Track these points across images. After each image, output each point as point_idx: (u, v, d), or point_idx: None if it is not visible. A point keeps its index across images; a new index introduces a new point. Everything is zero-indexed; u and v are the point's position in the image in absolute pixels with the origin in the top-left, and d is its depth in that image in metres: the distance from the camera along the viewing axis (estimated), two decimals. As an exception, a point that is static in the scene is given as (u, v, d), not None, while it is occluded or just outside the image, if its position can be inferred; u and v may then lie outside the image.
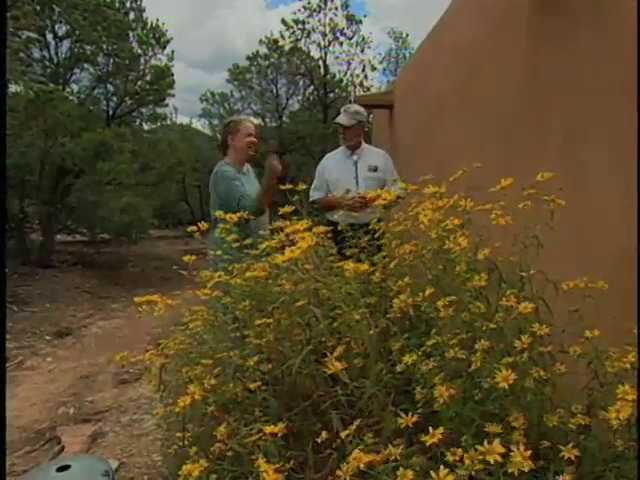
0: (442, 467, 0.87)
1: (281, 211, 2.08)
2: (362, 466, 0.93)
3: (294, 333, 1.48)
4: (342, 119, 3.25)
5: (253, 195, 2.69)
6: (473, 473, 0.85)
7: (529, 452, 0.89)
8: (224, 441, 1.27)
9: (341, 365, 1.14)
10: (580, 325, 1.29)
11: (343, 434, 1.07)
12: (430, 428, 0.96)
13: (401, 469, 0.91)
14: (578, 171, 2.06)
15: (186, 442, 1.43)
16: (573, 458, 1.01)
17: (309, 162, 15.49)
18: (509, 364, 1.14)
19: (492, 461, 0.83)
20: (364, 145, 3.35)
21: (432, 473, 0.84)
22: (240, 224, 1.97)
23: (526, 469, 0.86)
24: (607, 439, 1.14)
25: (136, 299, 1.54)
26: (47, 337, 5.34)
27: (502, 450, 0.86)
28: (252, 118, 3.26)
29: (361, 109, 3.34)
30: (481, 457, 0.84)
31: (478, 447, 0.87)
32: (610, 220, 1.85)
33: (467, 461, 0.86)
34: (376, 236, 1.96)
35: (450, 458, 0.89)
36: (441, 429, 0.95)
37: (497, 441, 0.87)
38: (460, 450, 0.90)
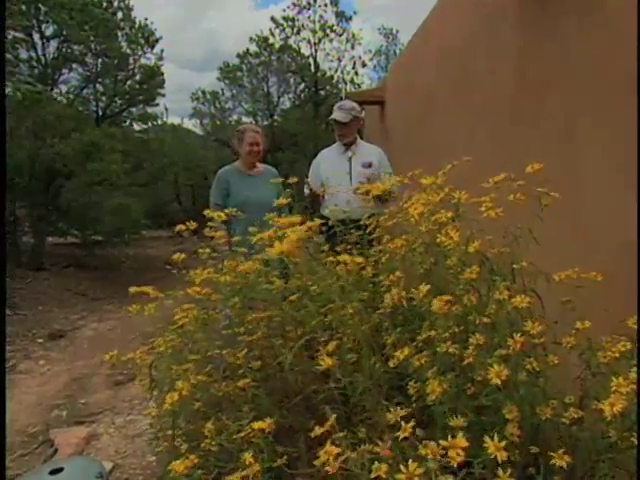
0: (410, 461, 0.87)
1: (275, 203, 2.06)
2: (331, 459, 0.92)
3: (286, 329, 1.47)
4: (338, 115, 3.17)
5: (239, 198, 3.00)
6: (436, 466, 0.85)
7: (503, 443, 0.91)
8: (212, 437, 1.25)
9: (332, 361, 1.13)
10: (573, 316, 1.28)
11: (327, 425, 1.06)
12: (411, 422, 0.96)
13: (376, 462, 0.91)
14: (571, 166, 2.06)
15: (177, 440, 1.42)
16: (564, 465, 1.01)
17: (301, 160, 15.44)
18: (502, 357, 1.14)
19: (454, 456, 0.84)
20: (359, 141, 3.30)
21: (401, 467, 0.85)
22: (227, 222, 2.01)
23: (499, 460, 0.88)
24: (600, 429, 1.14)
25: (131, 289, 1.60)
26: (40, 340, 5.29)
27: (465, 444, 0.86)
28: (256, 126, 3.46)
29: (355, 104, 3.30)
30: (443, 452, 0.85)
31: (441, 442, 0.88)
32: (607, 214, 1.85)
33: (433, 455, 0.86)
34: (368, 231, 1.94)
35: (422, 452, 0.89)
36: (412, 422, 0.96)
37: (460, 435, 0.89)
38: (433, 443, 0.89)
